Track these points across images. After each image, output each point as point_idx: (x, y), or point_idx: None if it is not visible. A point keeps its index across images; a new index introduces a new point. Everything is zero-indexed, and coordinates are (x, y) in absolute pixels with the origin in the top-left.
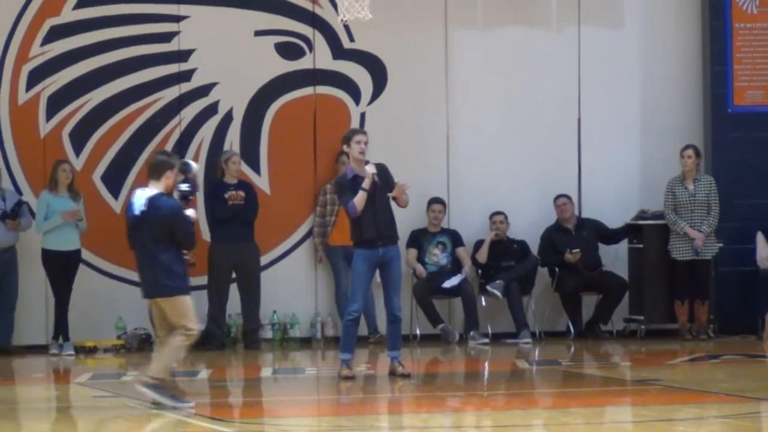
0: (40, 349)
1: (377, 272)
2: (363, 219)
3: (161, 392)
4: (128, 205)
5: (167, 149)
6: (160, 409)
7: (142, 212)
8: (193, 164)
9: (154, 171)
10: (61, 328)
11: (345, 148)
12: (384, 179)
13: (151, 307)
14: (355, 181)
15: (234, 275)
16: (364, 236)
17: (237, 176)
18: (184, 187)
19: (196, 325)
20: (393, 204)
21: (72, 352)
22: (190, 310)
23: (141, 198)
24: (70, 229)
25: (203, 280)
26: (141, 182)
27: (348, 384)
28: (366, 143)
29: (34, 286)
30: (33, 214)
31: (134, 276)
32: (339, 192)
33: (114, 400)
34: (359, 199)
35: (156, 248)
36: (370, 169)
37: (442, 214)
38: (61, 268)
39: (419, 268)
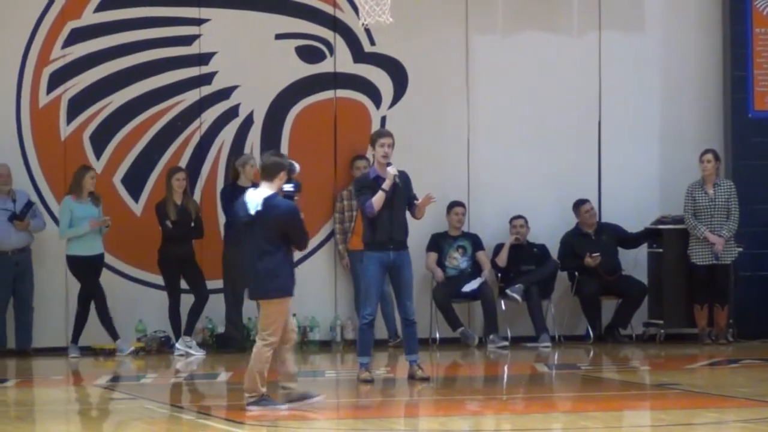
0: (59, 352)
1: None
2: (378, 221)
3: (264, 404)
4: (239, 205)
5: (187, 154)
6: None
7: (258, 212)
8: (297, 165)
9: (268, 172)
10: (108, 330)
11: (370, 149)
12: (404, 186)
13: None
14: (377, 182)
15: None
16: (376, 237)
17: (253, 180)
18: (288, 187)
19: (278, 336)
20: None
21: (132, 349)
22: (281, 317)
23: (256, 198)
24: (94, 233)
25: (219, 283)
26: (160, 186)
27: (367, 387)
28: (390, 146)
29: (52, 289)
30: (54, 218)
31: (154, 279)
32: (358, 191)
33: (133, 402)
34: (377, 199)
35: (269, 248)
36: (392, 171)
37: (464, 217)
38: (88, 273)
39: (438, 272)
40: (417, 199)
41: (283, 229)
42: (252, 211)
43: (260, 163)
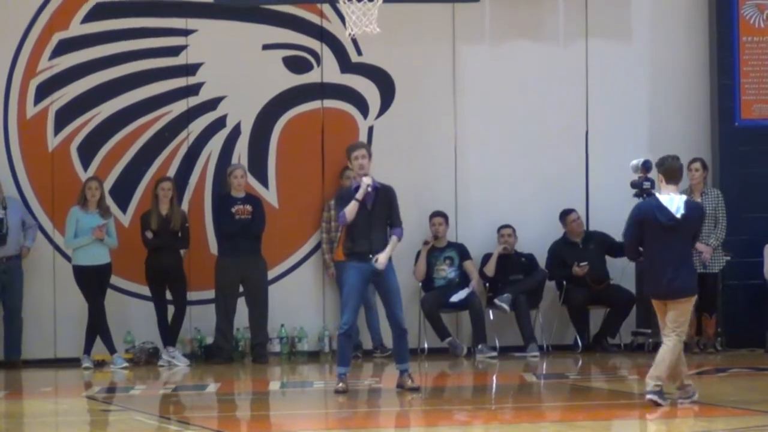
0: (49, 364)
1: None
2: (356, 233)
3: (662, 397)
4: (658, 210)
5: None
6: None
7: (683, 215)
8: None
9: (674, 174)
10: (106, 342)
11: (348, 163)
12: (385, 200)
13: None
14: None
15: (241, 289)
16: (355, 249)
17: (243, 190)
18: (647, 185)
19: (687, 331)
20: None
21: (126, 365)
22: (690, 312)
23: (675, 202)
24: (99, 243)
25: (211, 294)
26: (148, 196)
27: (342, 398)
28: (365, 157)
29: (42, 301)
30: (42, 230)
31: (143, 290)
32: (337, 202)
33: (122, 413)
34: (350, 208)
35: (690, 249)
36: (366, 180)
37: (443, 227)
38: (94, 283)
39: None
40: (400, 221)
41: (698, 229)
42: (678, 215)
43: (664, 167)
